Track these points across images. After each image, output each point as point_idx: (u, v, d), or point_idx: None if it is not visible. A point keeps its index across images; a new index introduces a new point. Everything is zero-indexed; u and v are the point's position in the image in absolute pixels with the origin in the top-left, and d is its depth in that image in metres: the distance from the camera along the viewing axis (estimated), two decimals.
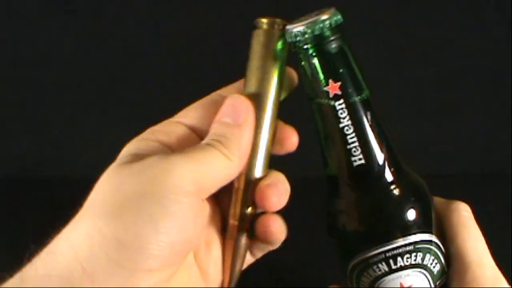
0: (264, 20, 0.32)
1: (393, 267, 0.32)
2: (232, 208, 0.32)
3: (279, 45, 0.32)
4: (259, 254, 0.34)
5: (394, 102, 0.63)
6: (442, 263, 0.33)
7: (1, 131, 0.66)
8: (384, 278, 0.32)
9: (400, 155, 0.33)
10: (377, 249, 0.31)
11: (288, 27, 0.31)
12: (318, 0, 0.33)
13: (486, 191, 0.57)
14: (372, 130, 0.32)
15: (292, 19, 0.32)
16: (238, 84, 0.33)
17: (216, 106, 0.32)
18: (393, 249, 0.31)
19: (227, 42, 0.60)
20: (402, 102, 0.63)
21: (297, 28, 0.31)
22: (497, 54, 0.61)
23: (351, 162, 0.31)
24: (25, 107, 0.65)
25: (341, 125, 0.31)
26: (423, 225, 0.32)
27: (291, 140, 0.33)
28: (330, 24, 0.30)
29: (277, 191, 0.31)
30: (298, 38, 0.31)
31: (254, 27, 0.33)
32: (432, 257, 0.32)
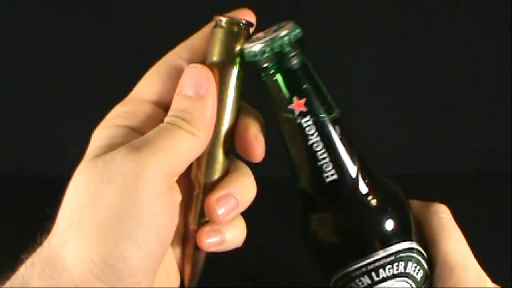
0: (224, 19, 0.31)
1: (376, 279, 0.31)
2: (192, 213, 0.31)
3: (238, 47, 0.30)
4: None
5: (394, 102, 0.63)
6: (425, 268, 0.32)
7: (1, 131, 0.66)
8: None
9: (373, 165, 0.32)
10: (358, 263, 0.31)
11: (245, 46, 0.30)
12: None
13: (486, 191, 0.57)
14: (343, 144, 0.31)
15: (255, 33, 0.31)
16: (195, 43, 0.32)
17: (177, 77, 0.30)
18: (374, 261, 0.31)
19: None
20: (402, 102, 0.63)
21: (255, 47, 0.29)
22: (497, 54, 0.61)
23: (323, 178, 0.31)
24: (25, 107, 0.65)
25: (309, 142, 0.30)
26: (402, 233, 0.32)
27: (256, 153, 0.31)
28: (290, 39, 0.29)
29: (226, 205, 0.30)
30: (257, 58, 0.29)
31: (215, 24, 0.32)
32: (415, 264, 0.32)
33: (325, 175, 0.31)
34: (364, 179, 0.31)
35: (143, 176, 0.27)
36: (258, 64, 0.30)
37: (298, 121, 0.30)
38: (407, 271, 0.32)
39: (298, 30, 0.30)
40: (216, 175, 0.31)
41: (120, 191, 0.27)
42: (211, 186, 0.31)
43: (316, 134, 0.30)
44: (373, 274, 0.31)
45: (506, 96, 0.61)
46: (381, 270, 0.31)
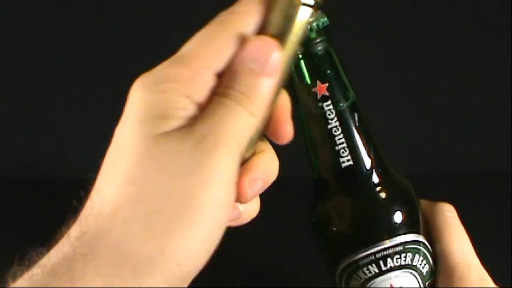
0: None
1: (383, 268, 0.32)
2: None
3: (302, 22, 0.28)
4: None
5: (394, 101, 0.63)
6: (430, 264, 0.33)
7: (1, 131, 0.66)
8: (374, 280, 0.32)
9: (386, 156, 0.33)
10: (367, 250, 0.31)
11: None
12: None
13: (486, 191, 0.57)
14: (360, 132, 0.32)
15: None
16: (256, 6, 0.28)
17: (243, 40, 0.27)
18: (383, 250, 0.31)
19: None
20: (402, 102, 0.63)
21: None
22: (497, 53, 0.61)
23: (339, 164, 0.31)
24: (25, 107, 0.65)
25: (329, 126, 0.31)
26: (411, 225, 0.32)
27: (286, 133, 0.29)
28: (317, 26, 0.30)
29: (255, 187, 0.29)
30: None
31: None
32: (421, 258, 0.32)
33: (341, 160, 0.31)
34: (377, 169, 0.32)
35: (209, 181, 0.25)
36: None
37: (320, 104, 0.31)
38: (414, 263, 0.32)
39: (325, 19, 0.31)
40: (251, 152, 0.29)
41: (185, 198, 0.24)
42: (244, 164, 0.29)
43: (335, 119, 0.31)
44: (381, 262, 0.31)
45: (506, 96, 0.61)
46: (389, 260, 0.31)
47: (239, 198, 0.28)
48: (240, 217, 0.30)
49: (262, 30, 0.29)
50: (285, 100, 0.30)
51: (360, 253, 0.32)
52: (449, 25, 0.61)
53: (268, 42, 0.27)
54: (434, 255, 0.33)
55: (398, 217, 0.32)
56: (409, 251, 0.32)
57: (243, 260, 0.47)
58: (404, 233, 0.32)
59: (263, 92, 0.27)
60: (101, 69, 0.63)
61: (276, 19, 0.29)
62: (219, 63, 0.27)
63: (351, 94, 0.32)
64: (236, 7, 0.29)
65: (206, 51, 0.27)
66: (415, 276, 0.32)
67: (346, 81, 0.32)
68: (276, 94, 0.29)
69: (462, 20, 0.61)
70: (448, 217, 0.34)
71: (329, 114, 0.31)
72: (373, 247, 0.31)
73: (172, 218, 0.24)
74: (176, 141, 0.25)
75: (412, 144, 0.63)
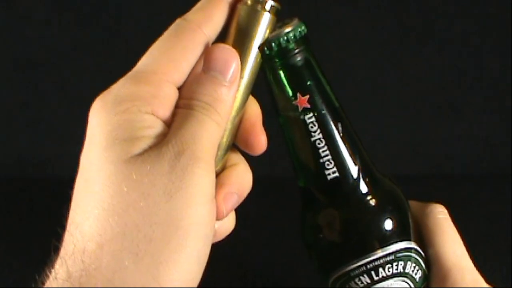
0: None
1: (375, 278, 0.31)
2: None
3: (260, 29, 0.29)
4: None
5: (394, 102, 0.63)
6: (423, 268, 0.33)
7: (1, 131, 0.66)
8: None
9: (373, 163, 0.33)
10: (357, 261, 0.31)
11: None
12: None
13: (486, 191, 0.57)
14: (344, 142, 0.31)
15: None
16: (211, 13, 0.28)
17: (202, 50, 0.27)
18: (373, 260, 0.31)
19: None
20: (402, 102, 0.63)
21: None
22: (498, 53, 0.61)
23: (324, 176, 0.31)
24: (25, 107, 0.65)
25: (312, 139, 0.30)
26: (401, 233, 0.32)
27: (260, 144, 0.30)
28: (294, 36, 0.29)
29: (230, 202, 0.29)
30: (262, 51, 0.29)
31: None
32: (413, 264, 0.32)
33: (327, 172, 0.31)
34: (365, 178, 0.31)
35: (193, 200, 0.24)
36: (262, 59, 0.30)
37: (302, 117, 0.30)
38: (406, 271, 0.32)
39: (302, 27, 0.30)
40: (221, 166, 0.29)
41: (167, 222, 0.24)
42: (216, 178, 0.28)
43: (318, 131, 0.30)
44: (373, 273, 0.31)
45: (506, 96, 0.61)
46: (380, 269, 0.31)
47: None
48: (216, 233, 0.28)
49: (220, 38, 0.29)
50: (256, 109, 0.30)
51: (351, 265, 0.31)
52: (450, 24, 0.61)
53: (228, 51, 0.27)
54: (427, 260, 0.33)
55: (388, 226, 0.31)
56: (400, 260, 0.31)
57: (243, 260, 0.47)
58: (395, 242, 0.31)
59: (227, 101, 0.27)
60: (101, 69, 0.63)
61: (234, 26, 0.29)
62: (179, 76, 0.27)
63: (334, 103, 0.31)
64: (190, 15, 0.29)
65: (165, 64, 0.27)
66: (408, 284, 0.32)
67: (329, 91, 0.31)
68: (243, 103, 0.29)
69: (462, 20, 0.61)
70: (440, 219, 0.33)
71: (312, 127, 0.30)
72: (364, 258, 0.31)
73: (162, 245, 0.24)
74: (151, 163, 0.24)
75: (412, 144, 0.63)
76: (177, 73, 0.27)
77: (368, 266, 0.31)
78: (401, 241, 0.32)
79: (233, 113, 0.28)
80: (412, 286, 0.32)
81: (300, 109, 0.30)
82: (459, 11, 0.60)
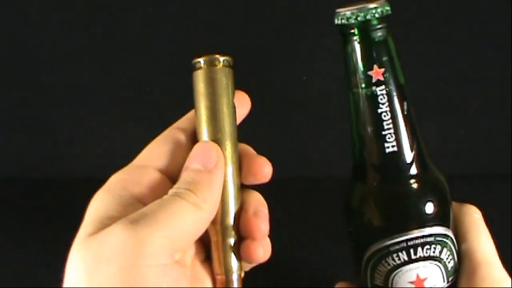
0: (201, 59, 0.32)
1: (413, 257, 0.32)
2: (216, 263, 0.31)
3: (224, 81, 0.32)
4: (248, 267, 0.33)
5: None
6: (455, 259, 0.33)
7: (1, 131, 0.66)
8: (401, 268, 0.32)
9: (426, 150, 0.34)
10: (399, 237, 0.32)
11: (338, 10, 0.32)
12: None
13: (486, 192, 0.57)
14: (407, 120, 0.33)
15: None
16: (192, 114, 0.33)
17: (178, 142, 0.31)
18: (414, 238, 0.32)
19: (227, 43, 0.60)
20: None
21: (346, 11, 0.31)
22: (498, 54, 0.61)
23: (383, 148, 0.32)
24: (25, 107, 0.65)
25: (379, 111, 0.32)
26: (443, 219, 0.33)
27: (264, 171, 0.32)
28: (381, 12, 0.31)
29: (264, 218, 0.31)
30: (348, 21, 0.31)
31: (194, 67, 0.32)
32: (448, 252, 0.33)
33: (387, 145, 0.32)
34: (418, 159, 0.33)
35: (143, 252, 0.25)
36: (347, 27, 0.32)
37: (374, 88, 0.32)
38: (442, 256, 0.33)
39: (387, 8, 0.32)
40: (232, 218, 0.31)
41: (120, 273, 0.25)
42: (230, 230, 0.31)
43: (387, 104, 0.32)
44: (411, 251, 0.32)
45: (507, 97, 0.61)
46: (419, 249, 0.32)
47: (256, 231, 0.30)
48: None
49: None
50: (248, 150, 0.33)
51: (392, 239, 0.32)
52: (450, 24, 0.61)
53: (208, 144, 0.30)
54: (459, 254, 0.34)
55: (432, 209, 0.32)
56: (438, 244, 0.32)
57: None
58: (436, 225, 0.32)
59: (208, 186, 0.29)
60: (101, 69, 0.63)
61: (196, 91, 0.32)
62: (160, 163, 0.31)
63: (403, 84, 0.33)
64: (176, 124, 0.33)
65: (145, 156, 0.31)
66: (440, 270, 0.33)
67: (400, 71, 0.33)
68: (228, 182, 0.31)
69: (463, 19, 0.61)
70: (476, 218, 0.35)
71: (381, 99, 0.32)
72: (405, 235, 0.32)
73: None
74: (106, 231, 0.26)
75: (424, 143, 0.63)
76: (158, 162, 0.31)
77: (409, 243, 0.32)
78: (441, 225, 0.33)
79: (229, 189, 0.31)
80: (444, 273, 0.33)
81: (373, 80, 0.32)
82: (460, 10, 0.60)
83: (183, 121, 0.33)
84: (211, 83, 0.31)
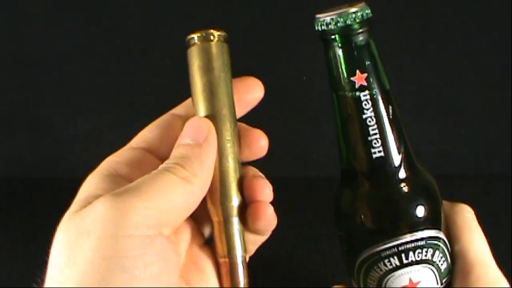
0: (195, 35, 0.31)
1: (404, 261, 0.32)
2: (219, 245, 0.30)
3: (220, 56, 0.31)
4: (253, 249, 0.33)
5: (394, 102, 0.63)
6: (448, 261, 0.33)
7: (1, 131, 0.66)
8: (394, 273, 0.32)
9: (414, 153, 0.34)
10: (390, 242, 0.32)
11: (317, 16, 0.32)
12: None
13: (486, 192, 0.57)
14: (392, 125, 0.32)
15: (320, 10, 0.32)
16: (189, 101, 0.32)
17: (172, 126, 0.31)
18: (405, 243, 0.32)
19: (229, 44, 0.60)
20: (402, 102, 0.63)
21: (326, 17, 0.31)
22: (498, 54, 0.61)
23: (370, 154, 0.32)
24: (25, 107, 0.65)
25: (364, 116, 0.32)
26: (434, 222, 0.33)
27: (259, 143, 0.31)
28: (362, 16, 0.31)
29: (266, 182, 0.31)
30: (328, 27, 0.31)
31: (188, 44, 0.31)
32: (441, 254, 0.33)
33: (373, 151, 0.32)
34: (406, 162, 0.33)
35: (124, 222, 0.25)
36: (327, 33, 0.31)
37: (357, 93, 0.32)
38: (434, 259, 0.32)
39: (368, 11, 0.32)
40: (233, 197, 0.30)
41: (99, 243, 0.24)
42: (231, 208, 0.30)
43: (371, 109, 0.32)
44: (403, 255, 0.32)
45: (506, 97, 0.61)
46: (410, 253, 0.32)
47: (260, 193, 0.30)
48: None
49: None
50: (243, 125, 0.32)
51: (383, 245, 0.32)
52: (450, 24, 0.61)
53: (199, 119, 0.30)
54: (452, 255, 0.34)
55: (423, 212, 0.32)
56: (430, 247, 0.32)
57: None
58: (427, 228, 0.32)
59: (197, 160, 0.28)
60: (101, 69, 0.63)
61: (192, 68, 0.31)
62: (148, 142, 0.31)
63: (387, 87, 0.33)
64: (172, 110, 0.33)
65: (140, 136, 0.31)
66: (433, 272, 0.32)
67: (384, 75, 0.33)
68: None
69: (462, 19, 0.61)
70: (468, 217, 0.34)
71: (365, 104, 0.32)
72: (396, 240, 0.32)
73: None
74: (91, 205, 0.26)
75: (412, 144, 0.63)
76: (146, 141, 0.31)
77: (400, 248, 0.32)
78: (432, 228, 0.32)
79: (229, 165, 0.30)
80: (437, 275, 0.33)
81: (357, 86, 0.32)
82: (460, 10, 0.60)
83: (180, 108, 0.33)
84: (207, 58, 0.30)
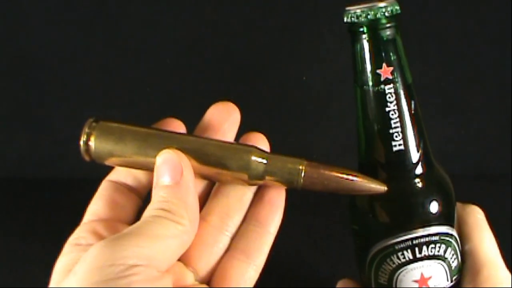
0: None
1: (418, 255, 0.32)
2: None
3: None
4: None
5: None
6: (459, 259, 0.34)
7: (1, 131, 0.66)
8: (406, 267, 0.32)
9: (431, 150, 0.34)
10: (405, 235, 0.32)
11: (347, 8, 0.32)
12: None
13: (486, 192, 0.57)
14: (414, 119, 0.33)
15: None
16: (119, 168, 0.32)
17: (112, 193, 0.31)
18: (419, 237, 0.32)
19: (228, 43, 0.60)
20: None
21: (357, 9, 0.31)
22: (498, 54, 0.61)
23: (390, 147, 0.32)
24: (25, 107, 0.65)
25: (387, 109, 0.32)
26: (448, 218, 0.33)
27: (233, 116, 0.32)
28: (391, 11, 0.32)
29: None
30: (356, 20, 0.31)
31: None
32: (452, 252, 0.33)
33: (394, 143, 0.32)
34: (424, 158, 0.33)
35: (115, 254, 0.25)
36: (356, 25, 0.32)
37: (382, 86, 0.32)
38: (446, 256, 0.33)
39: (397, 7, 0.32)
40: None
41: (86, 273, 0.25)
42: None
43: (395, 102, 0.32)
44: (416, 249, 0.32)
45: (507, 97, 0.61)
46: (424, 247, 0.32)
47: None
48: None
49: None
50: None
51: (398, 237, 0.32)
52: (450, 24, 0.61)
53: (170, 153, 0.29)
54: (462, 254, 0.34)
55: (438, 208, 0.33)
56: (443, 243, 0.32)
57: None
58: (441, 224, 0.32)
59: (180, 201, 0.28)
60: (102, 69, 0.63)
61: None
62: (98, 213, 0.30)
63: (410, 83, 0.33)
64: (107, 178, 0.32)
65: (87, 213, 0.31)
66: (445, 269, 0.33)
67: (408, 70, 0.33)
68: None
69: (462, 19, 0.61)
70: (480, 218, 0.35)
71: (389, 97, 0.32)
72: (411, 233, 0.32)
73: None
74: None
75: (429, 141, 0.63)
76: (97, 213, 0.30)
77: (414, 242, 0.32)
78: (446, 225, 0.33)
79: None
80: (448, 272, 0.33)
81: (382, 79, 0.32)
82: (460, 10, 0.60)
83: (112, 174, 0.32)
84: None
